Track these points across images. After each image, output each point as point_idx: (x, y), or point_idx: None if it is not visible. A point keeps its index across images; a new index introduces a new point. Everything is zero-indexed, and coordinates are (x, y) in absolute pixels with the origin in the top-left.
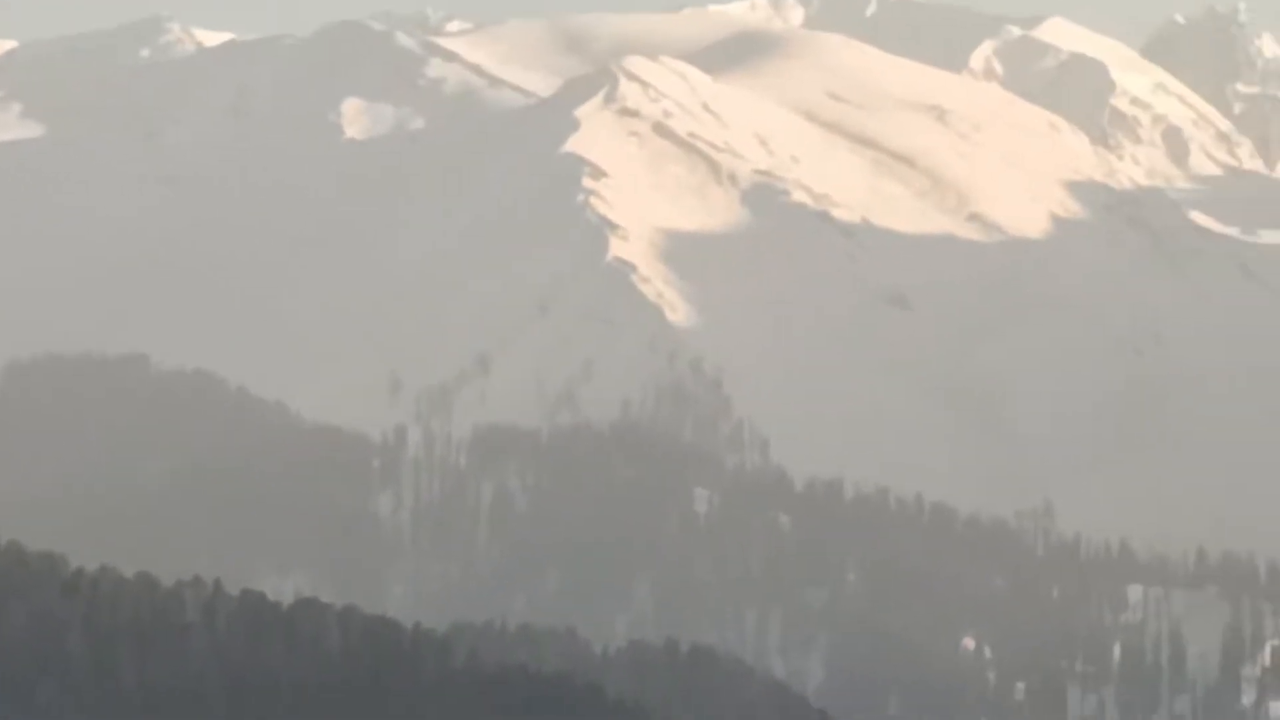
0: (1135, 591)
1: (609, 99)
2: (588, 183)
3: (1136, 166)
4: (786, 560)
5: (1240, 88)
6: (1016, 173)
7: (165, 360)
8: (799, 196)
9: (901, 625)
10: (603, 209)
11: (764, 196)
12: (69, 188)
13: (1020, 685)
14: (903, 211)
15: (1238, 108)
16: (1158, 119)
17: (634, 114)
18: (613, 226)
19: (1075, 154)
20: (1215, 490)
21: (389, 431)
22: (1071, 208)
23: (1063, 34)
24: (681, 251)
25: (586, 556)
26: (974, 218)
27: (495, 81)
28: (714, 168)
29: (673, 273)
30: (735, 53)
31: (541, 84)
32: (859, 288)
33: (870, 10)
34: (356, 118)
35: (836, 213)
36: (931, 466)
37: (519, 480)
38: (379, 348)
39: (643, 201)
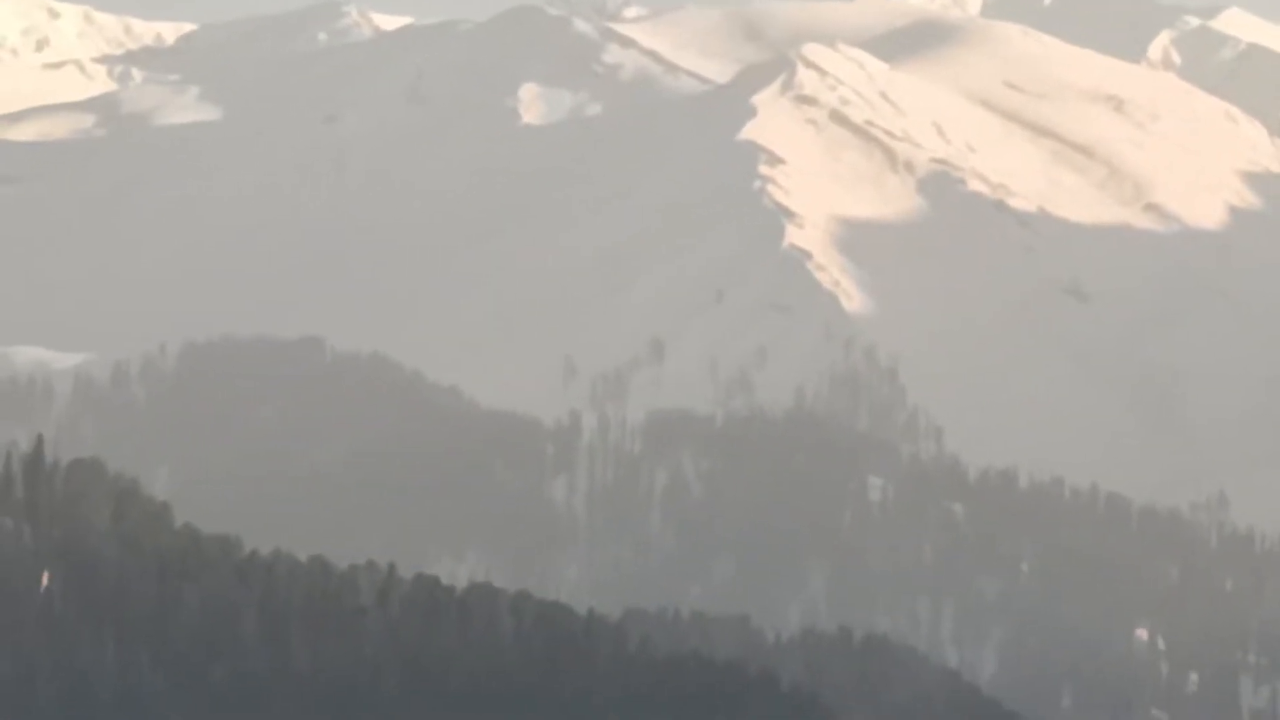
0: None
1: (786, 86)
2: (764, 170)
3: None
4: (960, 550)
5: None
6: (1193, 163)
7: (340, 343)
8: (975, 185)
9: (1075, 616)
10: (779, 196)
11: (940, 185)
12: (245, 171)
13: (1194, 676)
14: (1080, 201)
15: None
16: None
17: (811, 101)
18: (789, 214)
19: (1253, 145)
20: None
21: (563, 417)
22: (1249, 199)
23: (1241, 24)
24: (857, 239)
25: (760, 543)
26: (1151, 208)
27: (672, 68)
28: (890, 156)
29: (848, 261)
30: (912, 41)
31: (718, 71)
32: (1035, 278)
33: (1048, 0)
34: (533, 103)
35: (1013, 202)
36: (1106, 457)
37: (693, 466)
38: (554, 333)
39: (819, 189)
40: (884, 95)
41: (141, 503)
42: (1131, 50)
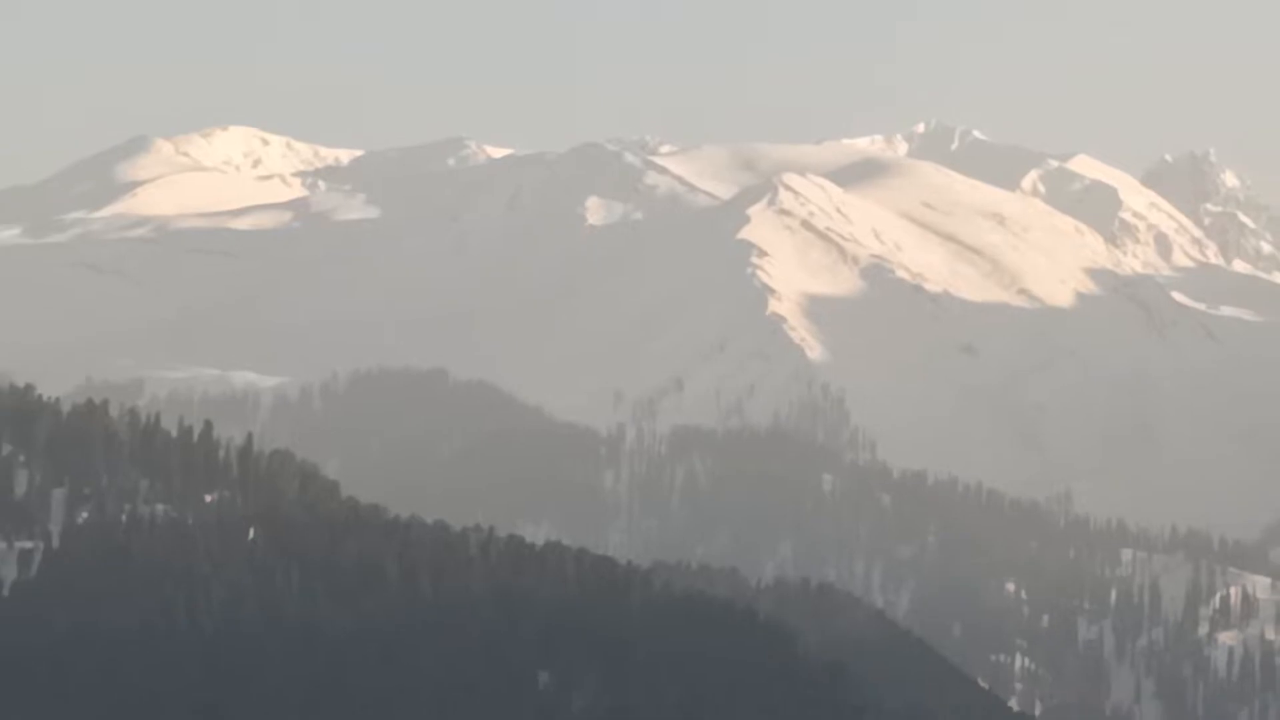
0: (1126, 554)
1: (771, 203)
2: (754, 260)
3: (1135, 260)
4: (885, 526)
5: (1209, 207)
6: (1052, 262)
7: (459, 374)
8: (900, 274)
9: (964, 574)
10: (764, 279)
11: (876, 273)
12: (395, 253)
13: (1045, 617)
14: (973, 286)
15: (1206, 221)
16: (1151, 227)
17: (788, 214)
18: (771, 291)
19: (1093, 251)
20: (1184, 486)
21: (612, 429)
22: (1090, 287)
23: (1086, 166)
24: (818, 310)
25: (747, 520)
26: (1022, 292)
27: (692, 188)
28: (842, 252)
29: (812, 324)
30: (859, 173)
31: (724, 191)
32: (940, 338)
33: (953, 146)
34: (595, 211)
35: (926, 286)
36: (987, 464)
37: (701, 466)
38: (607, 370)
39: (792, 274)
40: (839, 210)
41: (318, 481)
42: (1010, 182)
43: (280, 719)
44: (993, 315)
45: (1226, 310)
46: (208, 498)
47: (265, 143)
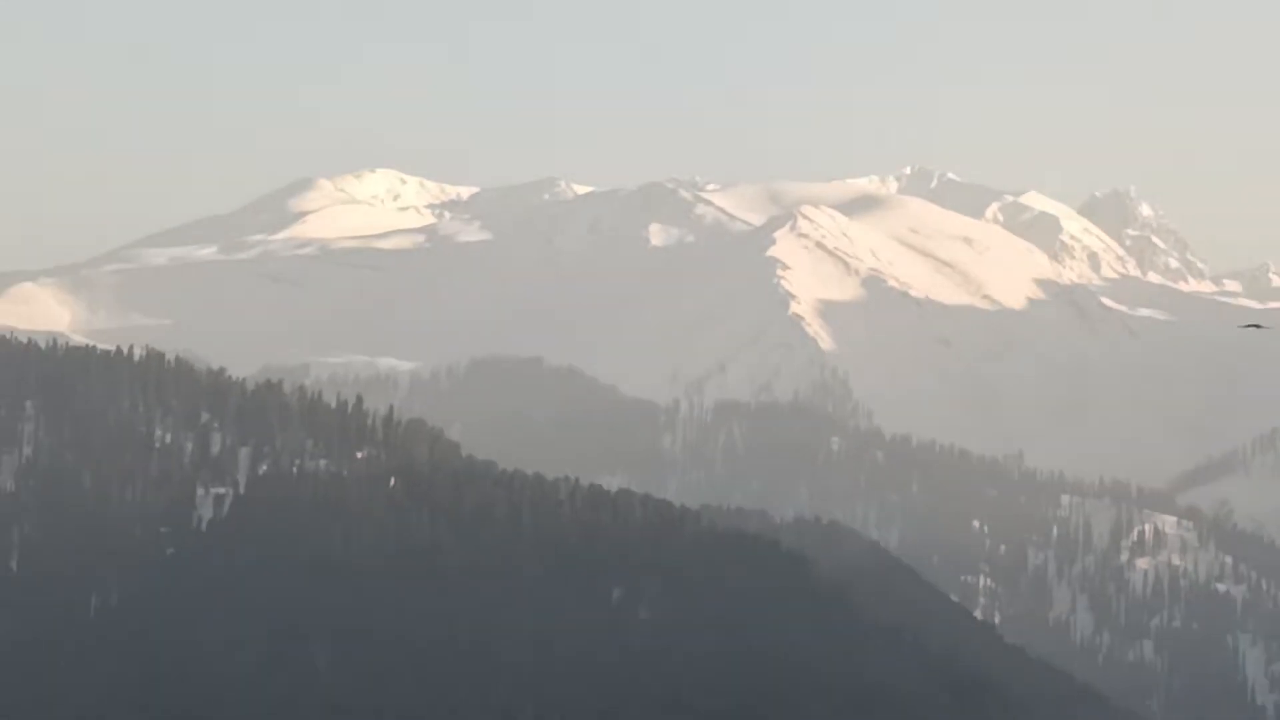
0: (1065, 499)
1: (793, 228)
2: (779, 273)
3: (1072, 273)
4: (879, 478)
5: (1129, 232)
6: (1008, 274)
7: (551, 360)
8: (892, 284)
9: (939, 514)
10: (787, 286)
11: (873, 284)
12: (503, 266)
13: (1002, 547)
14: (948, 292)
15: (1127, 242)
16: (1085, 247)
17: (806, 237)
18: (792, 296)
19: (1040, 266)
20: (1110, 447)
21: (669, 402)
22: (1038, 294)
23: (1035, 200)
24: (828, 311)
25: (773, 472)
26: (985, 297)
27: (731, 217)
28: (847, 267)
29: (823, 322)
30: (860, 205)
31: (756, 219)
32: (923, 333)
33: (932, 184)
34: (657, 234)
35: (912, 293)
36: (959, 429)
37: (738, 431)
38: (665, 357)
39: (809, 284)
40: (844, 234)
41: (443, 443)
42: (976, 213)
43: (414, 628)
44: (963, 315)
45: (1143, 312)
46: (358, 455)
47: (403, 182)
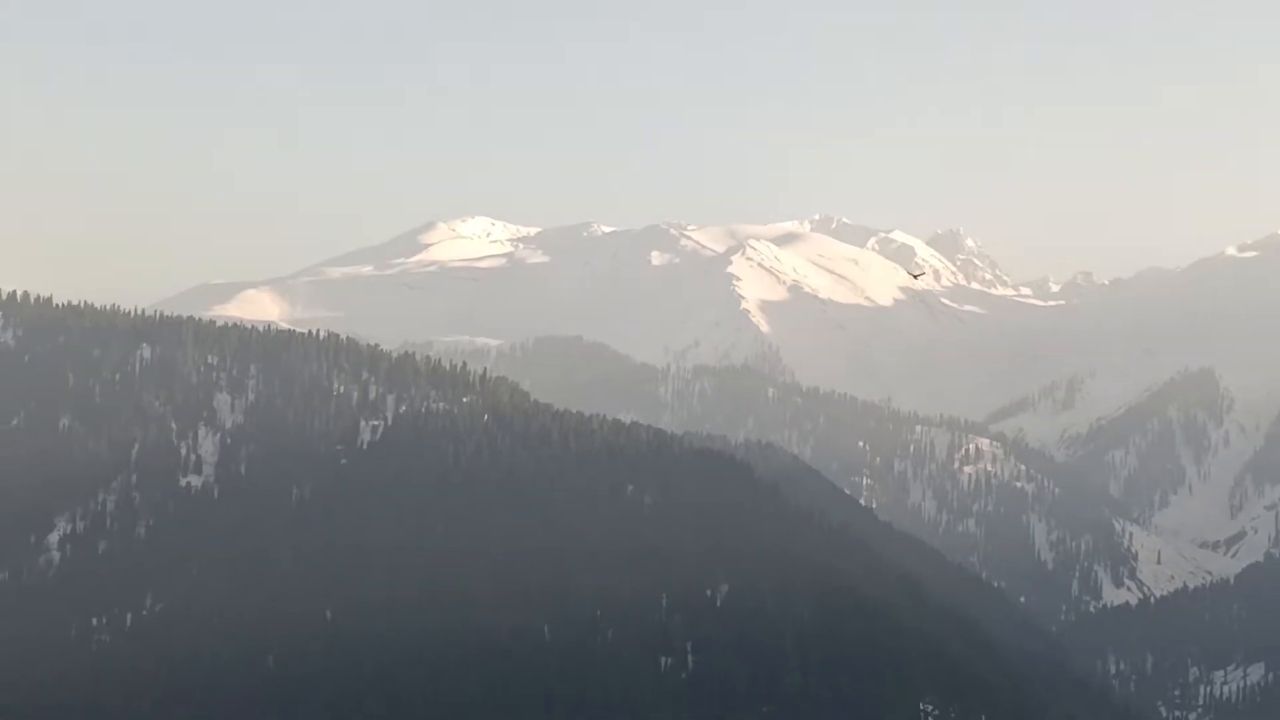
0: (918, 428)
1: (743, 254)
2: (734, 284)
3: (923, 283)
4: (799, 415)
5: (959, 256)
6: (882, 285)
7: (588, 338)
8: (807, 290)
9: (837, 438)
10: (740, 292)
11: (796, 291)
12: (557, 281)
13: (878, 458)
14: (843, 296)
15: (958, 263)
16: (933, 267)
17: (751, 260)
18: (743, 298)
19: (903, 279)
20: (949, 394)
21: (664, 365)
22: (901, 297)
23: (899, 235)
24: (767, 308)
25: (730, 411)
26: (868, 299)
27: (704, 247)
28: (779, 280)
29: (763, 315)
30: (787, 239)
31: (720, 248)
32: (827, 322)
33: (833, 225)
34: (656, 259)
35: (820, 296)
36: (849, 382)
37: (708, 384)
38: (661, 337)
39: (753, 290)
40: (776, 258)
41: (518, 392)
42: (861, 244)
43: (499, 512)
44: (853, 311)
45: (968, 308)
46: (464, 400)
47: (493, 224)
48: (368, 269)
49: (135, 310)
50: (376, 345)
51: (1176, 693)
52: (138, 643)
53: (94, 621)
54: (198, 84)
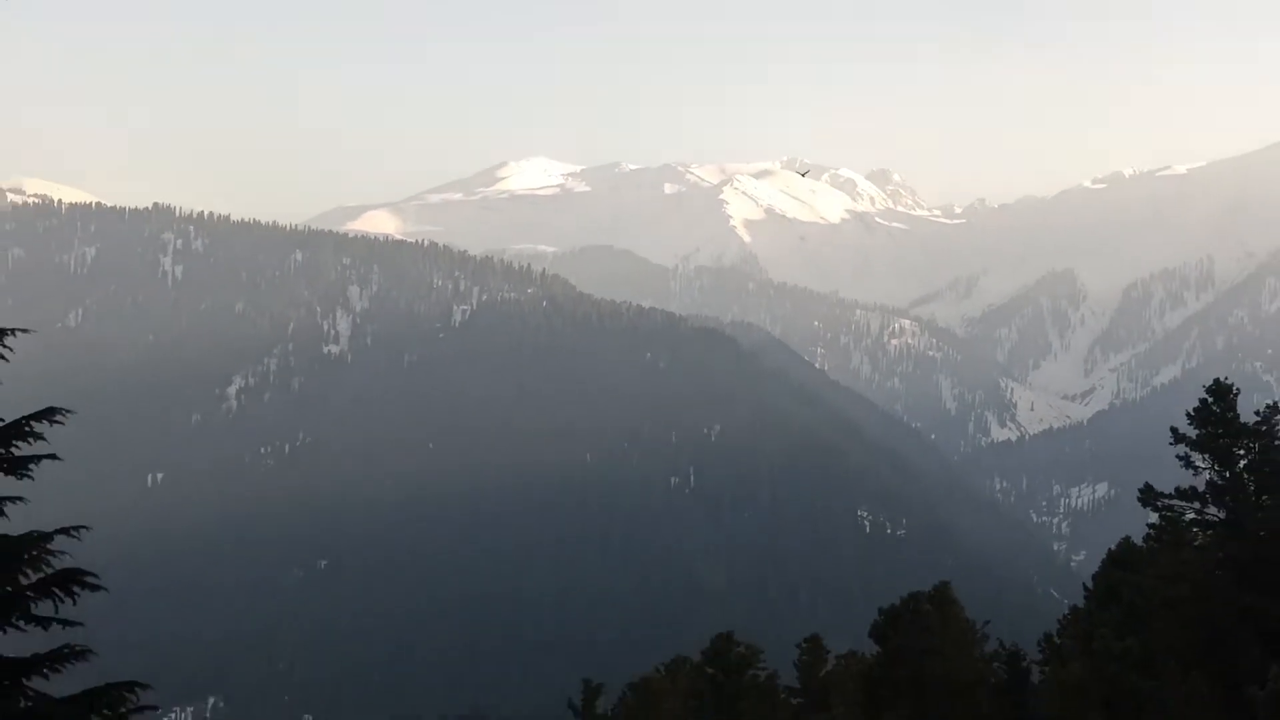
0: (859, 312)
1: (733, 186)
2: (725, 208)
3: (862, 207)
4: (770, 301)
5: (889, 187)
6: (834, 207)
7: (617, 246)
8: (779, 212)
9: (800, 319)
10: (729, 213)
11: (770, 212)
12: (601, 204)
13: (828, 334)
14: (805, 216)
15: (888, 190)
16: (868, 194)
17: (739, 191)
18: (731, 218)
19: (848, 203)
20: (882, 286)
21: (674, 266)
22: (847, 217)
23: (846, 171)
24: (749, 225)
25: (721, 299)
26: (822, 218)
27: (703, 180)
28: (758, 204)
29: (746, 230)
30: (765, 175)
31: (715, 180)
32: (792, 235)
33: (797, 164)
34: (669, 189)
35: (787, 215)
36: (809, 277)
37: (706, 280)
38: (674, 246)
39: (739, 212)
40: (755, 189)
41: (569, 285)
42: (818, 178)
43: (554, 372)
44: (810, 227)
45: (896, 225)
46: (529, 290)
47: (549, 163)
48: (458, 195)
49: (290, 225)
50: (464, 251)
51: (1044, 504)
52: (292, 465)
53: (261, 450)
54: (342, 41)
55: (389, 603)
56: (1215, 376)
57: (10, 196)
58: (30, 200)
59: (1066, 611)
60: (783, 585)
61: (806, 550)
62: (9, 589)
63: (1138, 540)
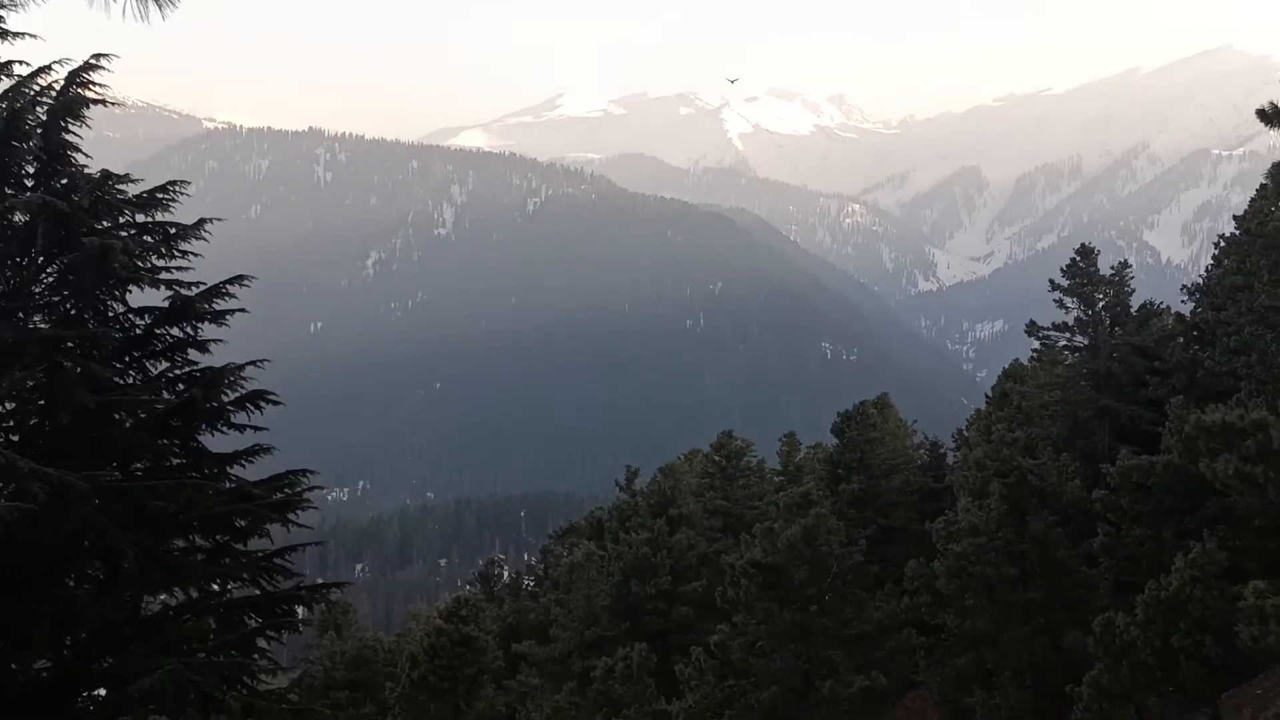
0: (822, 200)
1: (730, 109)
2: (724, 124)
3: (814, 116)
4: (757, 191)
5: (844, 106)
6: (805, 125)
7: (645, 154)
8: (764, 128)
9: (779, 204)
10: (727, 129)
11: (755, 128)
12: (630, 125)
13: (799, 214)
14: (784, 130)
15: (843, 109)
16: (739, 77)
17: (734, 112)
18: (727, 131)
19: (815, 120)
20: (848, 178)
21: (687, 168)
22: (813, 130)
23: (814, 96)
24: (742, 137)
25: (720, 192)
26: (795, 131)
27: (707, 104)
28: (750, 123)
29: (741, 141)
30: (753, 99)
31: (716, 105)
32: (770, 144)
33: (778, 91)
34: (686, 110)
35: (771, 129)
36: (780, 172)
37: (709, 178)
38: (688, 150)
39: (735, 128)
40: (746, 110)
41: (610, 183)
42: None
43: (589, 249)
44: (788, 138)
45: (849, 135)
46: (582, 187)
47: (596, 92)
48: (529, 118)
49: (408, 141)
50: (535, 159)
51: (957, 336)
52: (414, 316)
53: (391, 305)
54: None
55: (484, 412)
56: (1081, 242)
57: (205, 124)
58: (220, 126)
59: (972, 413)
60: (767, 397)
61: (784, 372)
62: (215, 404)
63: (1024, 361)
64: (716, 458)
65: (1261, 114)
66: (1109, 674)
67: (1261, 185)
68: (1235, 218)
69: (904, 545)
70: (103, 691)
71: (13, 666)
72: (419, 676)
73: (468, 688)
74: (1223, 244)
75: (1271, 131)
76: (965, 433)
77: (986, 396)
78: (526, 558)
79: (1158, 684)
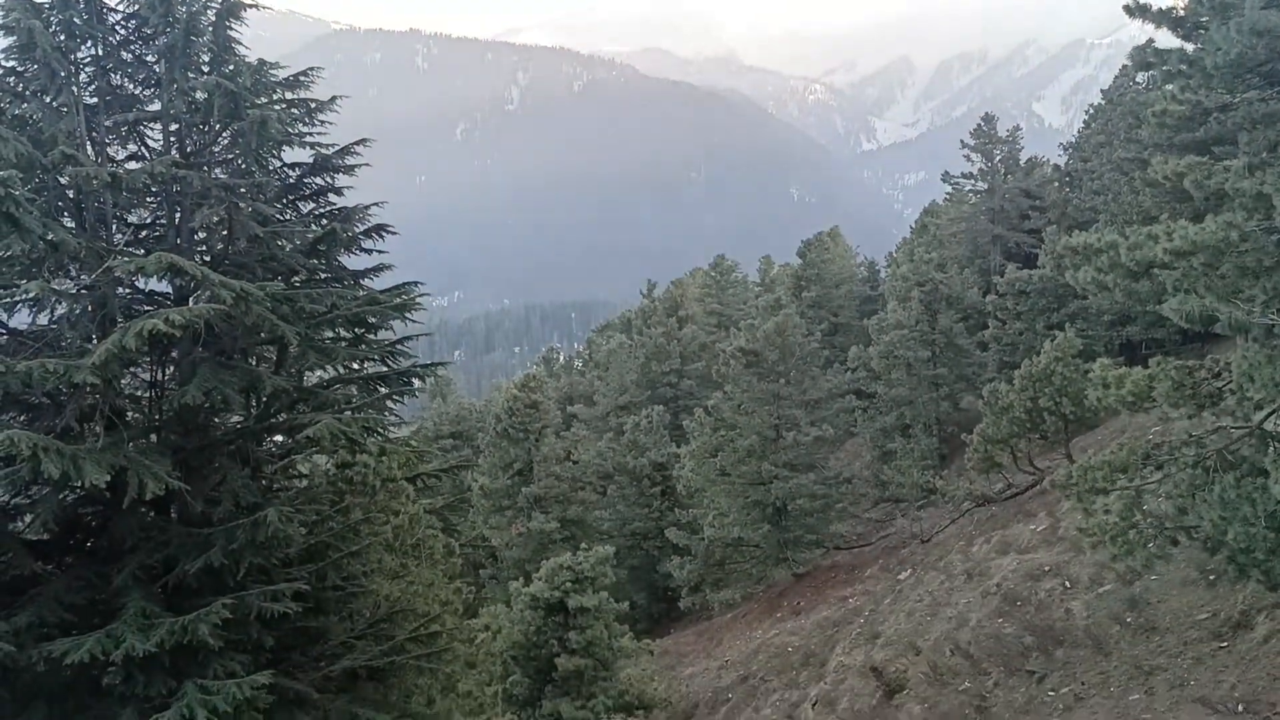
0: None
1: (724, 12)
2: (724, 24)
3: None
4: (734, 70)
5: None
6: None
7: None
8: (741, 60)
9: (764, 96)
10: (726, 27)
11: (749, 27)
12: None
13: (777, 94)
14: (768, 64)
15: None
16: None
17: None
18: (725, 28)
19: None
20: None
21: (684, 78)
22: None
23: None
24: (737, 37)
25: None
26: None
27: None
28: (733, 50)
29: (735, 40)
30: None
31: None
32: (731, 61)
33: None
34: (683, 52)
35: (750, 63)
36: (757, 77)
37: (704, 65)
38: (692, 54)
39: (729, 26)
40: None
41: (630, 70)
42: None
43: (612, 124)
44: (774, 37)
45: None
46: (612, 73)
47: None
48: (575, 19)
49: (484, 38)
50: (578, 51)
51: (891, 182)
52: (492, 171)
53: (475, 163)
54: None
55: (544, 239)
56: (985, 112)
57: (332, 25)
58: (343, 28)
59: (900, 241)
60: (749, 229)
61: (762, 210)
62: (349, 234)
63: (940, 201)
64: (713, 274)
65: (1127, 8)
66: (992, 425)
67: (1124, 66)
68: (1102, 91)
69: (848, 336)
70: (279, 438)
71: (215, 420)
72: (501, 429)
73: (536, 437)
74: (1091, 111)
75: (1134, 22)
76: (894, 254)
77: (911, 228)
78: (576, 346)
79: (1027, 432)
